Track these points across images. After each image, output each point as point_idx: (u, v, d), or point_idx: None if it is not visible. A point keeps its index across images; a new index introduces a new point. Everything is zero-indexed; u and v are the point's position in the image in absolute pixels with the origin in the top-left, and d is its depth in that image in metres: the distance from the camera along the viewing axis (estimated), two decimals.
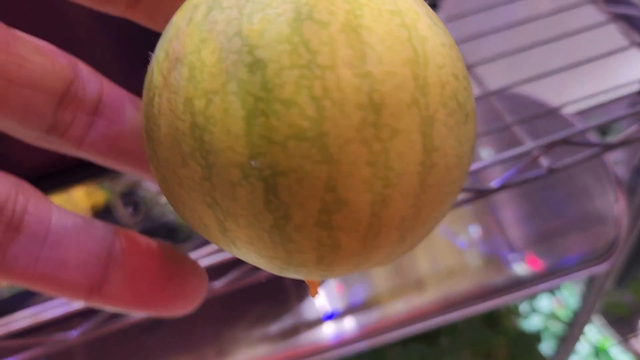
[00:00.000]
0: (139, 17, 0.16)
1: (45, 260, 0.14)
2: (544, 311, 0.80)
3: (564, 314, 0.80)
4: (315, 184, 0.11)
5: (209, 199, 0.12)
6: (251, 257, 0.13)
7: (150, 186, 0.39)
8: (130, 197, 0.40)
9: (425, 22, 0.12)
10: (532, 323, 0.76)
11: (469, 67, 0.37)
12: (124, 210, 0.41)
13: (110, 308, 0.15)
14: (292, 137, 0.11)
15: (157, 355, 0.42)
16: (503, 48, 0.38)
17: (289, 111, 0.11)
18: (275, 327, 0.41)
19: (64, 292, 0.14)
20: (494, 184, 0.29)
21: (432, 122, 0.12)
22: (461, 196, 0.30)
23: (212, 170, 0.12)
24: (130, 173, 0.17)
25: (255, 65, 0.11)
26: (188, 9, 0.13)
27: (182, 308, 0.16)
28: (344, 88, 0.11)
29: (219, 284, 0.29)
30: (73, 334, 0.30)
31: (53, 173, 0.34)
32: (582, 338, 0.83)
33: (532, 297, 0.67)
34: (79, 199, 0.42)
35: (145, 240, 0.16)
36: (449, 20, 0.39)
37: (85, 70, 0.16)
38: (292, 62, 0.11)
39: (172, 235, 0.43)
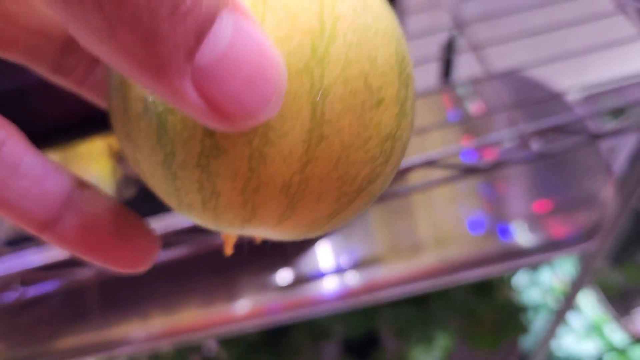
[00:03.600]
0: None
1: (10, 188, 0.16)
2: (543, 286, 0.82)
3: (562, 289, 0.82)
4: (196, 126, 0.12)
5: (125, 129, 0.13)
6: (158, 193, 0.14)
7: None
8: None
9: (351, 5, 0.12)
10: (530, 296, 0.78)
11: (481, 47, 0.38)
12: None
13: (60, 246, 0.17)
14: None
15: (167, 299, 0.46)
16: (518, 29, 0.39)
17: None
18: (277, 278, 0.44)
19: (21, 220, 0.16)
20: (483, 164, 0.31)
21: (326, 94, 0.12)
22: (452, 173, 0.31)
23: (127, 103, 0.13)
24: None
25: None
26: None
27: (130, 265, 0.18)
28: None
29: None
30: (88, 272, 0.33)
31: (76, 124, 0.36)
32: (574, 312, 0.86)
33: (533, 267, 0.69)
34: (100, 147, 0.45)
35: (105, 197, 0.18)
36: None
37: None
38: None
39: None
